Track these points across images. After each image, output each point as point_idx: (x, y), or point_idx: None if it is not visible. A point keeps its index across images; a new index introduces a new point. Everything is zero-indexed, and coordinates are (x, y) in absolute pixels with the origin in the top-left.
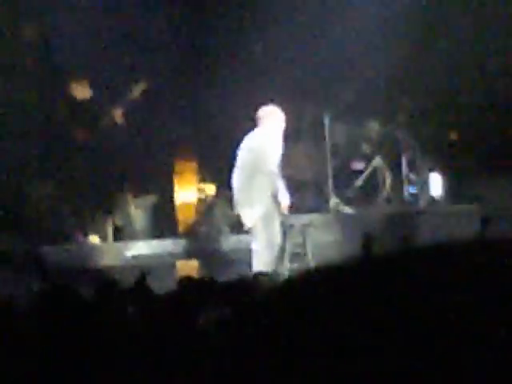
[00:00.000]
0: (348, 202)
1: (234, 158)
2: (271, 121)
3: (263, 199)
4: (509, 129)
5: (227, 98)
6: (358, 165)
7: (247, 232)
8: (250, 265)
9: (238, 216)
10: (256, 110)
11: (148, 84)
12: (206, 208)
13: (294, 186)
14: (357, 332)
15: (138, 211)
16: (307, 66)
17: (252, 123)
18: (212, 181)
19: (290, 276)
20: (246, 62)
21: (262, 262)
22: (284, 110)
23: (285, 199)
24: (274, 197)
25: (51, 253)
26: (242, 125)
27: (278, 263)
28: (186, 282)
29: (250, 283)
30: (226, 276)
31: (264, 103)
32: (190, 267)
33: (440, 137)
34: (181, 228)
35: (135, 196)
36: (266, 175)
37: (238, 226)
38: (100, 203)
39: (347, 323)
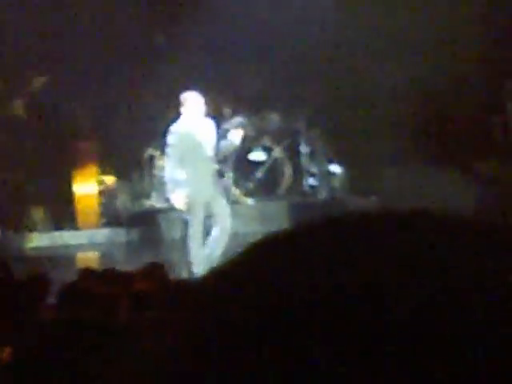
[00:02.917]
0: (248, 193)
1: (136, 150)
2: None
3: None
4: (410, 120)
5: (130, 90)
6: (259, 156)
7: (145, 224)
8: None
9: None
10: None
11: (50, 76)
12: (106, 200)
13: None
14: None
15: (37, 202)
16: (208, 57)
17: (153, 115)
18: (112, 173)
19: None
20: (149, 53)
21: None
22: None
23: None
24: None
25: None
26: (145, 117)
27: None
28: (88, 273)
29: (153, 274)
30: (127, 267)
31: (165, 97)
32: (89, 259)
33: (340, 128)
34: (80, 220)
35: (35, 188)
36: None
37: (137, 218)
38: None
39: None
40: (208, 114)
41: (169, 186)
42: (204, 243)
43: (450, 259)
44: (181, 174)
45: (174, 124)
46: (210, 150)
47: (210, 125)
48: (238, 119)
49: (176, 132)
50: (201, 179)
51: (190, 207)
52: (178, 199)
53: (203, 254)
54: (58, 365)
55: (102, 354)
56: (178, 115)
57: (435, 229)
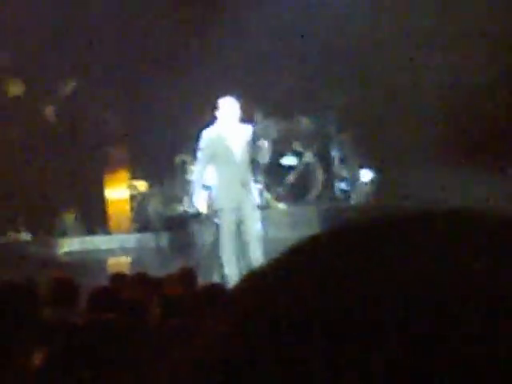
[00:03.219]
0: (279, 198)
1: (168, 155)
2: None
3: None
4: (440, 124)
5: (162, 94)
6: (290, 161)
7: (177, 229)
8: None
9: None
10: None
11: (81, 80)
12: (137, 205)
13: None
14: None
15: (69, 207)
16: (239, 62)
17: (185, 120)
18: (144, 178)
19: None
20: (179, 58)
21: None
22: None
23: None
24: None
25: None
26: (175, 122)
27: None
28: (119, 277)
29: (183, 278)
30: (159, 272)
31: (197, 101)
32: (122, 264)
33: (372, 132)
34: (112, 225)
35: (67, 193)
36: None
37: (169, 223)
38: (30, 199)
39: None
40: (240, 119)
41: (194, 189)
42: (235, 248)
43: (490, 257)
44: (209, 179)
45: (207, 128)
46: (241, 156)
47: (244, 130)
48: (264, 124)
49: (207, 136)
50: (229, 184)
51: (219, 212)
52: (200, 202)
53: (234, 259)
54: (89, 367)
55: (133, 356)
56: (211, 120)
57: (475, 228)
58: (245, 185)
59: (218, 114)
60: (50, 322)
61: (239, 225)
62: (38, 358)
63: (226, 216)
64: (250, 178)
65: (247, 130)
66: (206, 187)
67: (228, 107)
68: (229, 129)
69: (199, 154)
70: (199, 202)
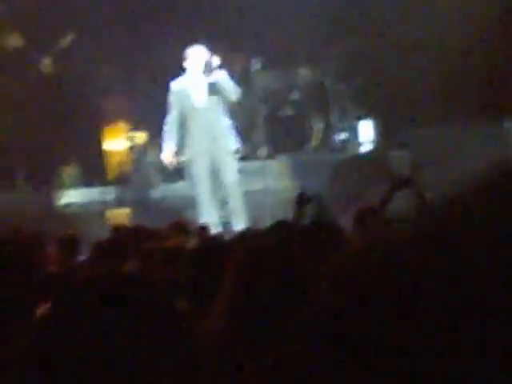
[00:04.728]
0: (278, 149)
1: (167, 106)
2: None
3: None
4: (440, 75)
5: (158, 45)
6: (288, 112)
7: (176, 180)
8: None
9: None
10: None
11: (79, 32)
12: (136, 156)
13: None
14: None
15: (69, 160)
16: (236, 12)
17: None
18: (143, 129)
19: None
20: (173, 8)
21: None
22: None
23: None
24: None
25: None
26: (175, 73)
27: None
28: (119, 229)
29: (180, 231)
30: (157, 224)
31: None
32: (120, 215)
33: (370, 83)
34: (110, 176)
35: (66, 145)
36: None
37: (168, 175)
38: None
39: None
40: (236, 70)
41: (163, 142)
42: (211, 197)
43: None
44: (180, 133)
45: (175, 80)
46: (206, 103)
47: (213, 76)
48: (262, 75)
49: (175, 88)
50: (197, 134)
51: (190, 163)
52: (166, 154)
53: (212, 208)
54: (92, 320)
55: (138, 308)
56: (180, 71)
57: None
58: (213, 133)
59: (185, 64)
60: (56, 273)
61: (215, 173)
62: (43, 311)
63: (198, 165)
64: (221, 124)
65: (216, 75)
66: (172, 139)
67: (195, 56)
68: (195, 78)
69: (170, 108)
70: (165, 154)
